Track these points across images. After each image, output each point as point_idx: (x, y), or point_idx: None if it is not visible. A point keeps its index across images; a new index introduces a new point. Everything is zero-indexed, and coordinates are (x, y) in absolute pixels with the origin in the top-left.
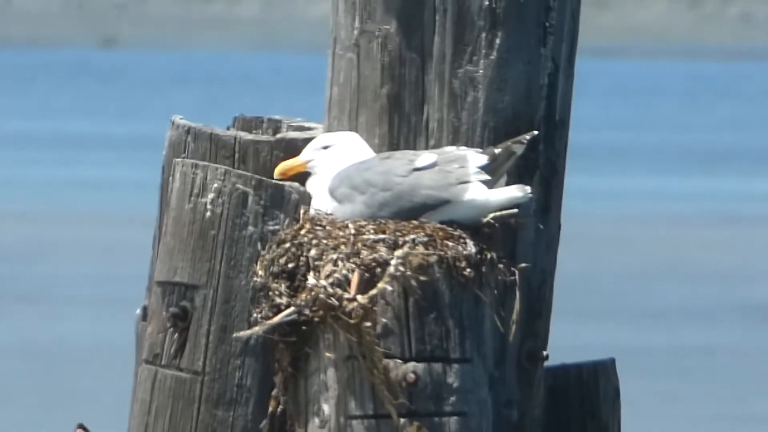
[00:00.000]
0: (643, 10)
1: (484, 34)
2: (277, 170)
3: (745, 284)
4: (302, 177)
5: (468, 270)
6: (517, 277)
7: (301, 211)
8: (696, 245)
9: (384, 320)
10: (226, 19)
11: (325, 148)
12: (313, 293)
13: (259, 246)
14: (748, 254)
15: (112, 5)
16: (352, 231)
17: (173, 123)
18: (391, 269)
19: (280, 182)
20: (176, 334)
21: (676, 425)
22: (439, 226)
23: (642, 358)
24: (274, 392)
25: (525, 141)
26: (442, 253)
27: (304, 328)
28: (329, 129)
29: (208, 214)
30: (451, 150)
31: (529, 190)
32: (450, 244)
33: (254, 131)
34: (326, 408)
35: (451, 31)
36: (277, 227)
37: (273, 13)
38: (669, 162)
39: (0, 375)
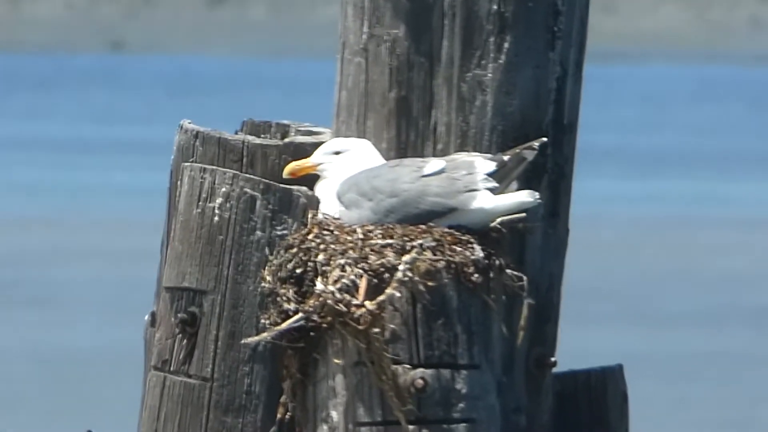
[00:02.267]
0: (650, 15)
1: (492, 38)
2: (287, 169)
3: (755, 289)
4: (310, 180)
5: (476, 275)
6: (525, 282)
7: (309, 216)
8: (705, 249)
9: (392, 326)
10: (234, 24)
11: (337, 153)
12: (321, 299)
13: (267, 251)
14: (759, 258)
15: (121, 10)
16: (360, 236)
17: (181, 127)
18: (399, 275)
19: (288, 186)
20: (185, 340)
21: (685, 431)
22: (447, 230)
23: (651, 363)
24: (282, 398)
25: (536, 147)
26: (450, 258)
27: (312, 334)
28: (337, 133)
29: (216, 218)
30: (460, 156)
31: (538, 196)
32: (458, 249)
33: (262, 135)
34: (335, 414)
35: (459, 35)
36: (285, 232)
37: (281, 17)
38: (677, 165)
39: (10, 380)
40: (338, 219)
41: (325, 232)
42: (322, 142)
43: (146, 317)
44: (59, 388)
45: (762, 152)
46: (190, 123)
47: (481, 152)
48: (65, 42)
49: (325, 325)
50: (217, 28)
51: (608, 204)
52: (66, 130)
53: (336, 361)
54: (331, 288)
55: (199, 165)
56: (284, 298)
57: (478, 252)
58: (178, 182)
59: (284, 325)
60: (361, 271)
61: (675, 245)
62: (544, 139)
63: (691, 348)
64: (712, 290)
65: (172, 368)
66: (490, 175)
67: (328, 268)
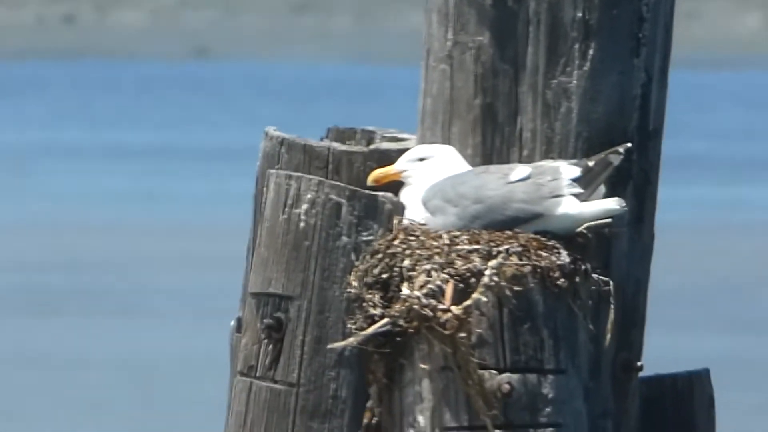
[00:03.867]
0: (735, 21)
1: (577, 45)
2: (371, 177)
3: None
4: (395, 186)
5: (562, 280)
6: (611, 287)
7: (395, 222)
8: None
9: (478, 330)
10: (318, 31)
11: (421, 159)
12: (407, 304)
13: (352, 256)
14: None
15: (205, 17)
16: (446, 241)
17: (267, 134)
18: (486, 279)
19: (374, 192)
20: (270, 346)
21: None
22: (532, 236)
23: (738, 369)
24: (369, 403)
25: (622, 152)
26: (536, 263)
27: (398, 339)
28: (422, 140)
29: (302, 224)
30: (545, 163)
31: (624, 203)
32: (544, 254)
33: (347, 142)
34: (421, 419)
35: (544, 43)
36: (370, 237)
37: (366, 24)
38: (764, 171)
39: (97, 387)
40: (424, 225)
41: (411, 238)
42: (407, 149)
43: (232, 323)
44: (146, 394)
45: None
46: (275, 130)
47: (566, 159)
48: (151, 48)
49: (411, 330)
50: (302, 34)
51: (695, 209)
52: (151, 137)
53: (422, 366)
54: (417, 293)
55: (285, 172)
56: (370, 303)
57: (564, 257)
58: (264, 189)
59: (370, 330)
60: (447, 276)
61: (762, 250)
62: (629, 144)
63: None
64: None
65: (258, 374)
66: (576, 180)
67: (414, 273)
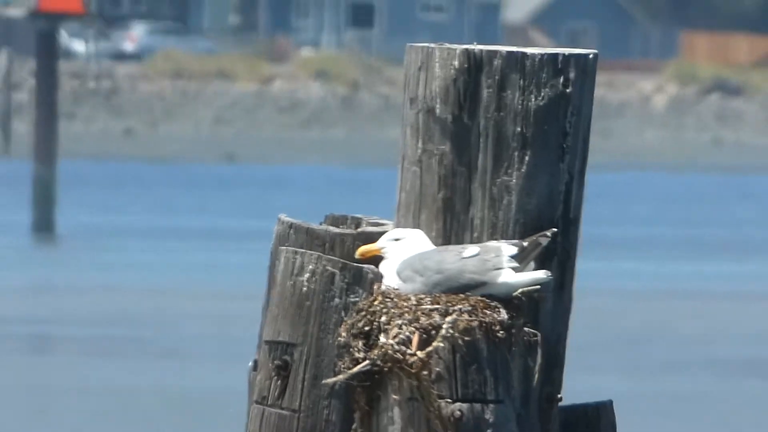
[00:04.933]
0: (637, 137)
1: (516, 153)
2: (358, 252)
3: (711, 344)
4: (376, 260)
5: (501, 332)
6: (539, 338)
7: (375, 287)
8: (672, 315)
9: (437, 369)
10: (320, 141)
11: (397, 240)
12: (383, 349)
13: (343, 313)
14: (713, 321)
15: (234, 130)
16: (414, 302)
17: (279, 220)
18: (443, 331)
19: (360, 265)
20: (279, 381)
21: None
22: (479, 298)
23: (634, 402)
24: (354, 426)
25: (549, 235)
26: (482, 319)
27: (376, 376)
28: (398, 225)
29: (305, 289)
30: (490, 243)
31: (550, 274)
32: (488, 312)
33: (341, 226)
34: None
35: (491, 150)
36: (357, 299)
37: (357, 136)
38: (652, 249)
39: (144, 414)
40: (397, 290)
41: (387, 299)
42: (385, 232)
43: (250, 363)
44: (182, 420)
45: (716, 238)
46: (286, 217)
47: (506, 240)
48: (191, 154)
49: (386, 369)
50: (308, 143)
51: (604, 279)
52: (192, 222)
53: (394, 396)
54: (391, 341)
55: (293, 248)
56: (355, 348)
57: (503, 315)
58: (276, 261)
59: (355, 370)
60: (413, 328)
61: (650, 310)
62: (555, 229)
63: (667, 390)
64: (682, 345)
65: (269, 402)
66: (513, 257)
67: (389, 326)
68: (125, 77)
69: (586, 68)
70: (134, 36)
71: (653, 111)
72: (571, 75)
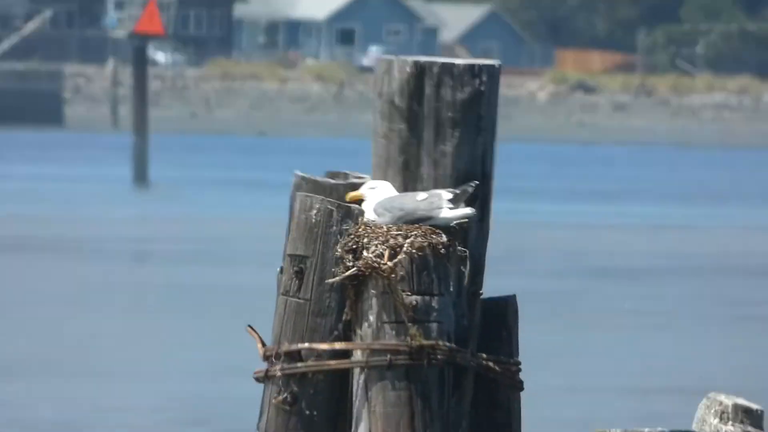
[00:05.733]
0: (527, 121)
1: (449, 130)
2: (348, 196)
3: (581, 258)
4: (360, 202)
5: (443, 249)
6: (467, 254)
7: (360, 220)
8: (552, 238)
9: (401, 273)
10: (320, 122)
11: (372, 188)
12: (365, 261)
13: (338, 237)
14: (581, 242)
15: (263, 115)
16: (385, 230)
17: (295, 174)
18: (405, 249)
19: (349, 204)
20: (297, 280)
21: (552, 328)
22: (428, 227)
23: (530, 296)
24: (345, 309)
25: (473, 185)
26: (429, 240)
27: (360, 278)
28: (373, 178)
29: (313, 220)
30: (434, 191)
31: (474, 211)
32: (434, 236)
33: (336, 179)
34: (371, 317)
35: (433, 129)
36: (347, 227)
37: (344, 119)
38: (543, 195)
39: (212, 304)
40: (374, 221)
41: (368, 228)
42: (365, 183)
43: (277, 269)
44: (237, 307)
45: (583, 187)
46: (300, 172)
47: (445, 188)
48: (235, 131)
49: (367, 273)
50: (312, 124)
51: (511, 214)
52: (239, 175)
53: (372, 291)
54: (370, 255)
55: (304, 193)
56: (347, 260)
57: (444, 238)
58: (294, 202)
59: (346, 274)
60: (385, 247)
61: (541, 234)
62: (476, 182)
63: (554, 288)
64: (561, 258)
65: (290, 294)
66: (450, 200)
67: (369, 245)
68: (190, 78)
69: (493, 74)
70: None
71: (538, 103)
72: (484, 78)
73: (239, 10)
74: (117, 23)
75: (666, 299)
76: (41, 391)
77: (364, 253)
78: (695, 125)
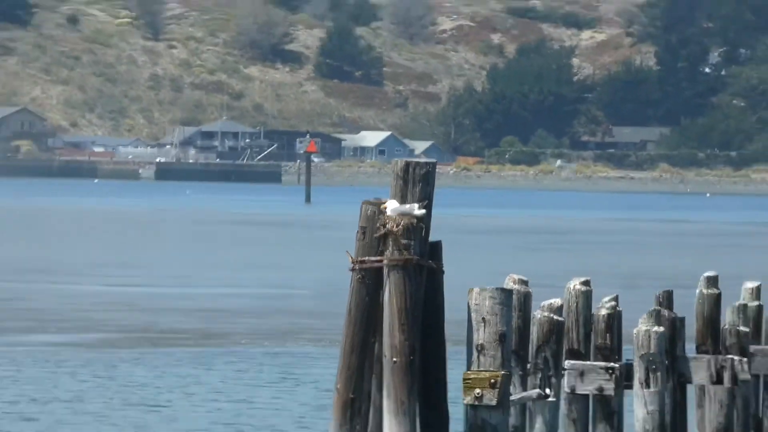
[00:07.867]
0: None
1: None
2: (381, 206)
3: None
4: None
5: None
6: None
7: (385, 214)
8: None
9: (404, 233)
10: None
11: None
12: (387, 229)
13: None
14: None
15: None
16: (394, 216)
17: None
18: (404, 222)
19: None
20: (362, 236)
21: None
22: (411, 216)
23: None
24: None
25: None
26: (411, 221)
27: (384, 236)
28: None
29: (368, 213)
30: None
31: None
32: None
33: (371, 204)
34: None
35: None
36: (381, 218)
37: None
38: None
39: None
40: (390, 215)
41: (389, 218)
42: (386, 201)
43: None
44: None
45: None
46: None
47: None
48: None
49: (388, 235)
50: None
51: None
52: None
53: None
54: (392, 226)
55: (366, 201)
56: (379, 230)
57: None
58: (361, 208)
59: (378, 234)
60: (395, 224)
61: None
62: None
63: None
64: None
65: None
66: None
67: (389, 224)
68: None
69: None
70: None
71: None
72: None
73: None
74: None
75: None
76: None
77: (387, 227)
78: None
